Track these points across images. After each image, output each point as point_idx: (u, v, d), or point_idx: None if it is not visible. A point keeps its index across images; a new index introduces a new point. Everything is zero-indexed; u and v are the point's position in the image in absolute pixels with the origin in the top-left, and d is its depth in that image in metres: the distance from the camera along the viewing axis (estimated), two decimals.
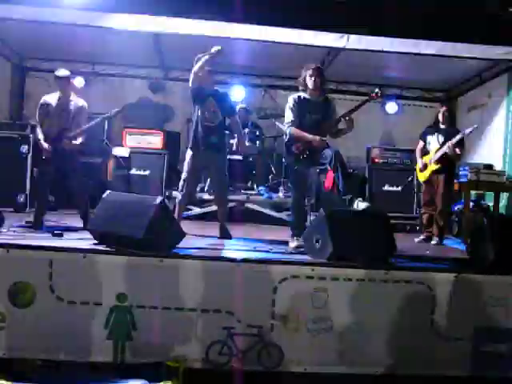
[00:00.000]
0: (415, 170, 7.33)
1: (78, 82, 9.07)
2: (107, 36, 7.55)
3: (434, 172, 6.76)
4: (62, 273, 4.38)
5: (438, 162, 6.71)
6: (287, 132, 5.61)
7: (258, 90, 9.55)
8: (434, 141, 6.86)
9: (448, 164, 6.76)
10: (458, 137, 6.59)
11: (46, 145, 6.09)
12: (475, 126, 6.81)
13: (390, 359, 4.48)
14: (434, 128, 6.99)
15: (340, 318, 4.45)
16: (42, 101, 6.42)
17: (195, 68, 5.90)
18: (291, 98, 5.66)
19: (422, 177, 6.95)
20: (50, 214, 6.46)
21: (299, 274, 4.43)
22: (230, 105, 6.35)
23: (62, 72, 6.35)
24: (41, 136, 6.21)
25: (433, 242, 6.81)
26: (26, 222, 5.99)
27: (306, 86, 5.62)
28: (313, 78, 5.54)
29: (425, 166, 6.88)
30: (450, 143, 6.56)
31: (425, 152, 7.00)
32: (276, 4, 7.07)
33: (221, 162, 6.10)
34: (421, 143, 7.08)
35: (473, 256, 5.17)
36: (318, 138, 5.41)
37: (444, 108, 7.02)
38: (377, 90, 5.51)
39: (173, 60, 8.93)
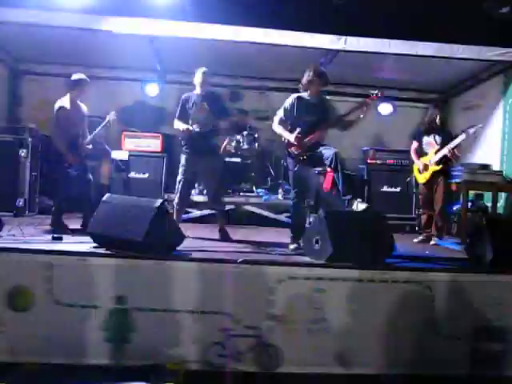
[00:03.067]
0: (413, 170, 7.32)
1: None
2: (103, 39, 7.53)
3: (434, 173, 6.78)
4: (61, 276, 4.38)
5: (438, 163, 6.73)
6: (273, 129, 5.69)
7: (254, 92, 9.56)
8: (431, 141, 6.88)
9: (447, 165, 6.79)
10: (460, 137, 6.60)
11: (70, 155, 6.15)
12: (479, 125, 6.81)
13: (388, 359, 4.49)
14: (428, 128, 6.99)
15: (338, 318, 4.46)
16: (59, 106, 6.23)
17: None
18: (290, 98, 5.68)
19: (422, 178, 6.94)
20: (47, 217, 6.48)
21: (297, 275, 4.43)
22: (223, 107, 6.32)
23: (80, 76, 6.36)
24: (63, 144, 6.17)
25: (432, 243, 6.82)
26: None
27: (308, 87, 5.63)
28: (317, 82, 5.54)
29: (425, 167, 6.87)
30: (450, 146, 6.56)
31: (421, 153, 7.01)
32: (273, 6, 7.10)
33: (214, 165, 6.07)
34: (415, 143, 7.10)
35: (471, 256, 5.19)
36: (293, 136, 5.43)
37: (438, 111, 7.07)
38: (376, 91, 5.54)
39: (169, 63, 8.92)
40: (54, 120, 6.23)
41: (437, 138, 6.84)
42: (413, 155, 7.16)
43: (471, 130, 6.62)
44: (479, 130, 6.93)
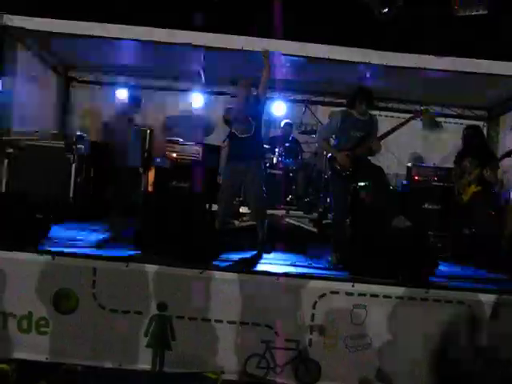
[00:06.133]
0: (455, 190, 7.18)
1: (122, 94, 9.24)
2: (151, 49, 7.68)
3: (475, 194, 6.65)
4: (104, 281, 4.48)
5: (477, 184, 6.59)
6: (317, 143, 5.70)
7: (299, 106, 9.58)
8: (469, 164, 6.73)
9: (487, 186, 6.66)
10: (495, 161, 6.51)
11: None
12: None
13: (429, 378, 4.43)
14: (467, 150, 6.87)
15: (378, 335, 4.45)
16: None
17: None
18: (337, 113, 5.69)
19: (463, 199, 6.81)
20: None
21: (339, 289, 4.45)
22: (257, 108, 6.23)
23: None
24: None
25: (474, 262, 6.69)
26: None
27: (353, 105, 5.64)
28: (363, 102, 5.56)
29: (464, 189, 6.75)
30: (487, 169, 6.45)
31: (461, 175, 6.87)
32: (316, 20, 7.16)
33: (256, 173, 6.03)
34: (457, 165, 6.97)
35: None
36: (342, 154, 5.45)
37: (472, 132, 6.94)
38: (421, 107, 5.53)
39: (214, 74, 9.02)
40: None
41: (474, 159, 6.66)
42: (453, 178, 7.03)
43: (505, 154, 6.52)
44: None
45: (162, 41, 7.09)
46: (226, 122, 6.11)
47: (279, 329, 4.38)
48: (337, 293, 4.43)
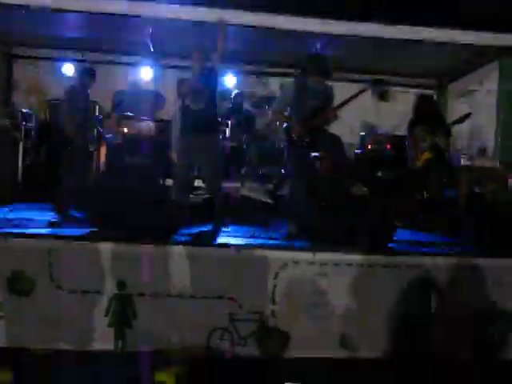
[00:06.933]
0: (409, 157, 7.29)
1: (68, 69, 8.97)
2: (97, 22, 7.44)
3: (428, 160, 6.76)
4: (61, 261, 4.35)
5: (430, 151, 6.71)
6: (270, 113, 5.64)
7: (251, 77, 9.49)
8: (422, 131, 6.83)
9: (440, 152, 6.78)
10: (447, 127, 6.64)
11: None
12: (467, 113, 6.82)
13: (391, 343, 4.51)
14: (419, 118, 6.96)
15: (341, 303, 4.47)
16: None
17: None
18: (292, 83, 5.65)
19: (416, 166, 6.93)
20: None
21: (300, 259, 4.43)
22: (211, 80, 6.15)
23: None
24: None
25: (431, 228, 6.82)
26: None
27: (308, 74, 5.59)
28: (318, 71, 5.51)
29: (418, 156, 6.86)
30: (439, 136, 6.57)
31: (414, 142, 6.97)
32: None
33: (211, 145, 5.96)
34: (410, 133, 7.07)
35: (471, 240, 5.21)
36: (299, 124, 5.42)
37: (422, 99, 7.05)
38: (376, 78, 5.55)
39: (166, 46, 8.83)
40: None
41: (427, 126, 6.77)
42: (408, 144, 7.13)
43: (457, 120, 6.67)
44: (468, 117, 6.89)
45: (107, 12, 6.90)
46: (180, 94, 5.98)
47: (242, 301, 4.36)
48: (298, 263, 4.43)
